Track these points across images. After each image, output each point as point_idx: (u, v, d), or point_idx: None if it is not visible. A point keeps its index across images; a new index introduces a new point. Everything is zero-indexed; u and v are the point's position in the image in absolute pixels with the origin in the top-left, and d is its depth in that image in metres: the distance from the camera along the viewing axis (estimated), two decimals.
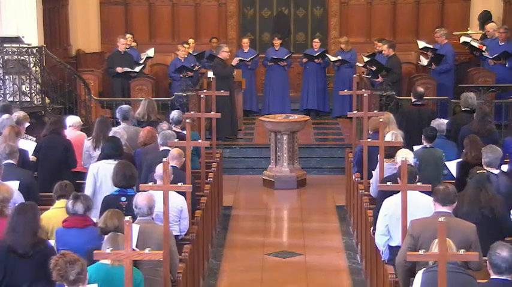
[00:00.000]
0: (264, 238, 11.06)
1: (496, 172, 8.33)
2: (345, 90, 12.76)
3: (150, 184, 7.49)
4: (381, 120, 9.47)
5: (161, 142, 9.49)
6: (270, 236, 11.36)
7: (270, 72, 16.76)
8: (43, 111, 13.25)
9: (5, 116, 10.29)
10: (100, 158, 9.09)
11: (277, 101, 16.57)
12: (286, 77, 16.92)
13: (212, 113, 11.75)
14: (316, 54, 16.50)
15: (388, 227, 7.50)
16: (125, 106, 11.02)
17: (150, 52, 16.16)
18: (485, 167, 8.28)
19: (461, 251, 5.74)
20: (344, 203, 12.23)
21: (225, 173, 13.03)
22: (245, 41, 16.90)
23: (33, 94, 13.11)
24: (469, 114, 11.08)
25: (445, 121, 10.54)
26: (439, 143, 9.83)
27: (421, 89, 12.15)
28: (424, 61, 15.57)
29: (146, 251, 5.70)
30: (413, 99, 11.91)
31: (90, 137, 10.12)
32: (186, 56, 15.78)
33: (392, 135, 9.34)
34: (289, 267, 9.91)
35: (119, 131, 9.83)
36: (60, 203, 7.40)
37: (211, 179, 10.51)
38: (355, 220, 10.65)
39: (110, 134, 9.63)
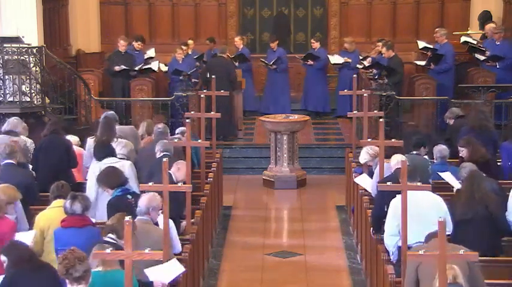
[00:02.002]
0: (264, 238, 11.06)
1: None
2: (345, 90, 12.76)
3: (150, 184, 7.50)
4: (381, 120, 9.44)
5: (161, 149, 9.37)
6: (270, 236, 11.36)
7: (270, 72, 16.73)
8: (43, 111, 13.23)
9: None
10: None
11: (277, 101, 16.55)
12: (287, 77, 16.87)
13: (212, 113, 11.75)
14: (303, 56, 16.36)
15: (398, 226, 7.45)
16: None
17: (151, 52, 16.16)
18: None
19: (461, 251, 5.74)
20: (344, 203, 12.23)
21: (225, 173, 13.02)
22: (236, 39, 16.68)
23: (33, 94, 13.09)
24: (464, 118, 11.18)
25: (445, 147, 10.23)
26: (442, 168, 9.49)
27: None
28: (421, 61, 15.56)
29: (146, 251, 5.69)
30: None
31: (93, 136, 10.08)
32: (183, 57, 15.67)
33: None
34: (289, 267, 9.90)
35: (123, 141, 9.59)
36: (57, 202, 7.39)
37: (211, 179, 10.51)
38: (355, 220, 10.65)
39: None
